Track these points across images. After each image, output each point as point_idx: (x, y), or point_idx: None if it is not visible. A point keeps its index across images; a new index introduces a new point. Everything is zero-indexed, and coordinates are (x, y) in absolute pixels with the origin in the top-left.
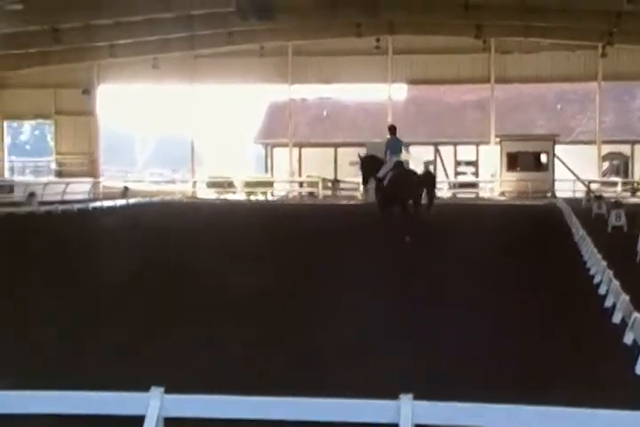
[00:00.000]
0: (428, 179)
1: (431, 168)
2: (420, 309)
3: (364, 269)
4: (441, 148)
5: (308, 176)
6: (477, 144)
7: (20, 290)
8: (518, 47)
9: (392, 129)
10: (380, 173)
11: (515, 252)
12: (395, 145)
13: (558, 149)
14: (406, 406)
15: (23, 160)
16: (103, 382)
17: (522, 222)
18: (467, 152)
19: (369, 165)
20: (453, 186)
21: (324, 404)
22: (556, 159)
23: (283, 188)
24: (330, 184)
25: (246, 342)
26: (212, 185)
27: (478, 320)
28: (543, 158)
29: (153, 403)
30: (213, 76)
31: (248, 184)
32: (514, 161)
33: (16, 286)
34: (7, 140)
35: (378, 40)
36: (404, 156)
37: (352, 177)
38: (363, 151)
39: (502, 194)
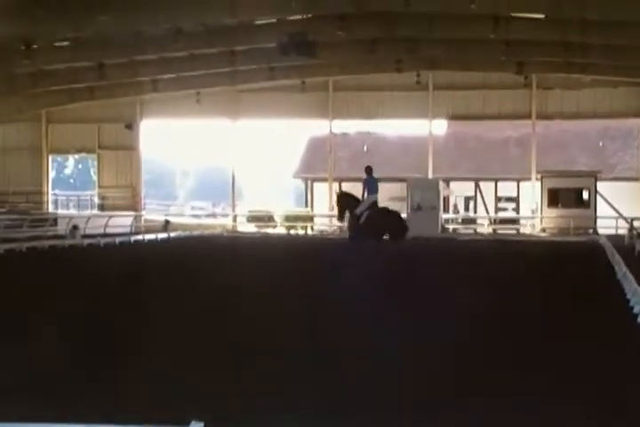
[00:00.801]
0: (395, 215)
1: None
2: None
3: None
4: (481, 183)
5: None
6: (518, 180)
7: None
8: (560, 83)
9: (368, 169)
10: (358, 211)
11: (556, 291)
12: (372, 184)
13: (600, 185)
14: None
15: (67, 194)
16: None
17: (563, 259)
18: (507, 188)
19: (344, 202)
20: (494, 222)
21: None
22: (597, 196)
23: (322, 222)
24: None
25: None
26: (252, 219)
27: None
28: (585, 195)
29: None
30: (255, 110)
31: (288, 218)
32: (555, 197)
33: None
34: (52, 173)
35: (418, 75)
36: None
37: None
38: (345, 188)
39: (543, 230)
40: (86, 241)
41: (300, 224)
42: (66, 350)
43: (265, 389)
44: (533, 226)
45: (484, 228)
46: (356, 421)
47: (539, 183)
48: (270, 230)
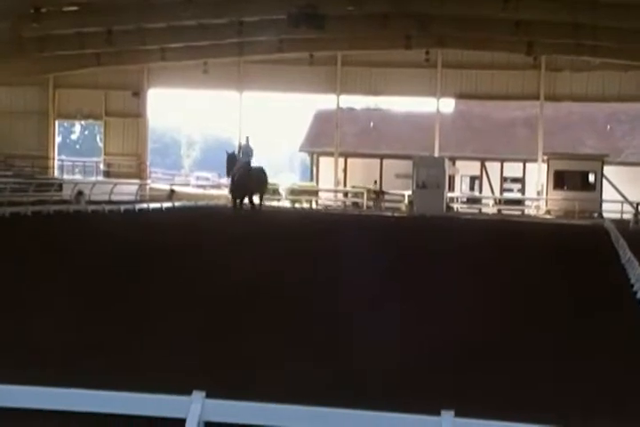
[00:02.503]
0: (262, 176)
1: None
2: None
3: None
4: (487, 164)
5: (352, 186)
6: (524, 161)
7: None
8: (569, 65)
9: (247, 138)
10: (233, 172)
11: (559, 273)
12: (247, 149)
13: (607, 169)
14: (447, 423)
15: (73, 159)
16: None
17: (567, 242)
18: (513, 169)
19: (231, 162)
20: (499, 202)
21: (364, 416)
22: (604, 180)
23: (327, 197)
24: (374, 195)
25: None
26: None
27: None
28: (591, 178)
29: (194, 407)
30: (262, 82)
31: (293, 192)
32: (561, 180)
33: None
34: (58, 139)
35: (427, 53)
36: None
37: (397, 189)
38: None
39: (548, 212)
40: (91, 207)
41: (304, 198)
42: (69, 315)
43: (267, 359)
44: (538, 208)
45: (489, 208)
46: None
47: (545, 165)
48: (275, 203)
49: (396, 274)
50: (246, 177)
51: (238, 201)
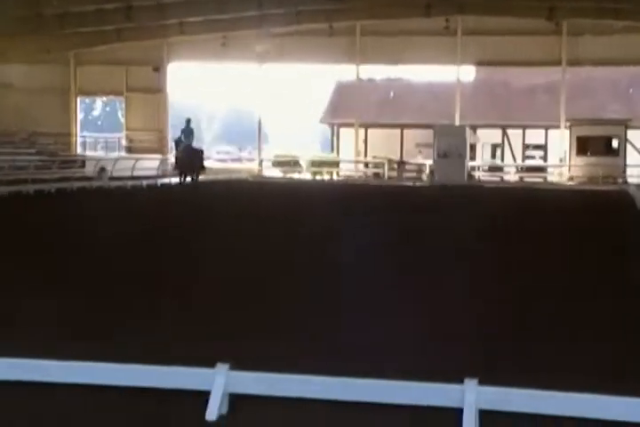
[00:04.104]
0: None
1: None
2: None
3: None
4: (509, 131)
5: (373, 157)
6: (546, 128)
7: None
8: (591, 29)
9: (188, 120)
10: (178, 152)
11: (583, 243)
12: (187, 132)
13: (630, 133)
14: (471, 392)
15: (95, 136)
16: None
17: (592, 208)
18: (535, 136)
19: (177, 144)
20: (521, 170)
21: (387, 385)
22: (627, 144)
23: (348, 168)
24: (395, 165)
25: None
26: (278, 164)
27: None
28: (614, 143)
29: (218, 379)
30: (281, 54)
31: (314, 164)
32: (584, 145)
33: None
34: (80, 115)
35: (447, 21)
36: None
37: (418, 159)
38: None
39: (571, 179)
40: (114, 183)
41: (325, 169)
42: (94, 289)
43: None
44: (561, 174)
45: (511, 176)
46: None
47: (567, 131)
48: (296, 175)
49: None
50: (187, 156)
51: (182, 177)
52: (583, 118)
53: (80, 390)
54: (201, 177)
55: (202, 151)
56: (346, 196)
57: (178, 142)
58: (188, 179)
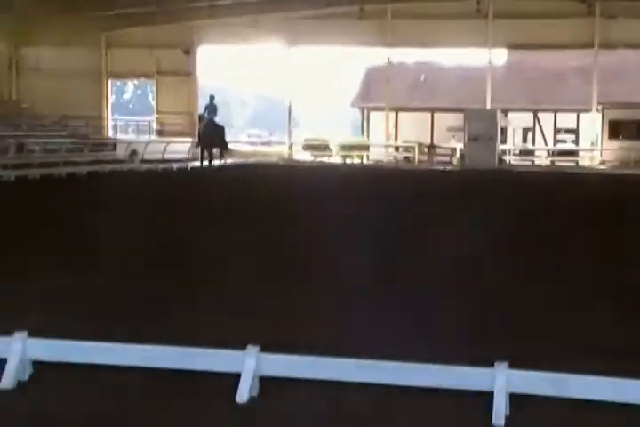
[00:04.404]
0: (219, 131)
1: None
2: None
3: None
4: (540, 115)
5: (404, 141)
6: (578, 111)
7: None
8: (624, 11)
9: (212, 97)
10: (200, 128)
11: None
12: (211, 108)
13: None
14: (501, 375)
15: (126, 119)
16: None
17: (622, 192)
18: (567, 119)
19: (200, 120)
20: (552, 154)
21: (417, 369)
22: None
23: (378, 152)
24: (426, 149)
25: None
26: (308, 147)
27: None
28: None
29: (248, 361)
30: (312, 37)
31: (344, 147)
32: (616, 129)
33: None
34: (111, 98)
35: (478, 3)
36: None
37: (451, 142)
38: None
39: (603, 163)
40: (144, 166)
41: (355, 153)
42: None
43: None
44: (593, 158)
45: (542, 160)
46: None
47: (599, 115)
48: (326, 159)
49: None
50: (210, 132)
51: (206, 153)
52: (615, 102)
53: (110, 371)
54: (231, 160)
55: (223, 128)
56: (374, 180)
57: (201, 118)
58: (214, 162)
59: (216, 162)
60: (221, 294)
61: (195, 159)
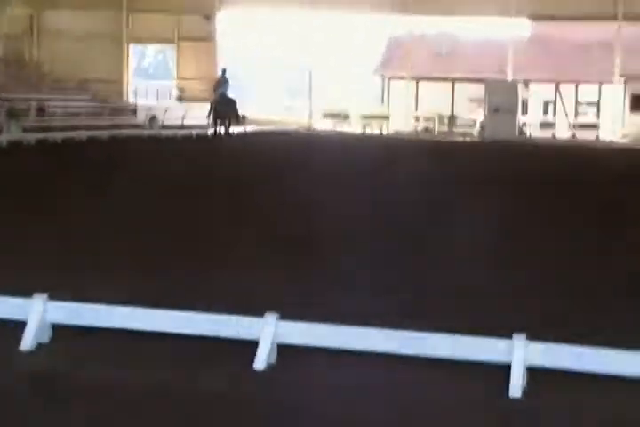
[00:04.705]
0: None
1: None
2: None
3: None
4: (562, 87)
5: (423, 114)
6: (600, 84)
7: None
8: None
9: (224, 71)
10: (212, 100)
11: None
12: (223, 82)
13: None
14: (519, 347)
15: (146, 83)
16: None
17: None
18: (589, 92)
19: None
20: (573, 126)
21: (436, 339)
22: None
23: (398, 122)
24: (446, 120)
25: None
26: (328, 116)
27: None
28: None
29: (267, 329)
30: (333, 3)
31: (364, 116)
32: (638, 102)
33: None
34: (132, 63)
35: None
36: None
37: (475, 114)
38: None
39: (624, 136)
40: (164, 132)
41: (375, 123)
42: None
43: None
44: (614, 132)
45: (563, 132)
46: None
47: (622, 87)
48: (345, 128)
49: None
50: (221, 104)
51: (219, 123)
52: (639, 75)
53: (129, 336)
54: (250, 127)
55: (235, 101)
56: (391, 151)
57: (215, 90)
58: (230, 130)
59: (230, 130)
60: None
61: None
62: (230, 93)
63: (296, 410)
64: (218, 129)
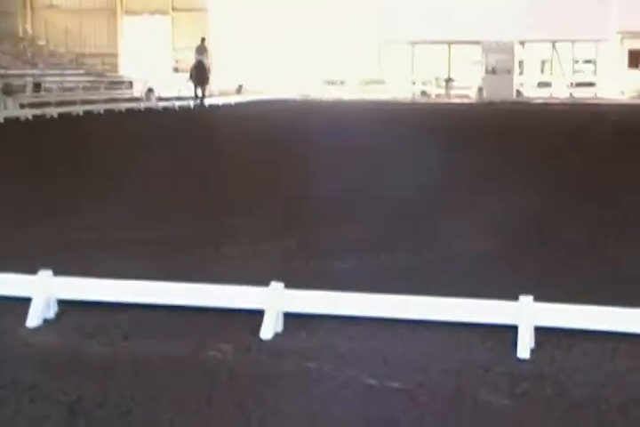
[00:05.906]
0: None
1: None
2: None
3: None
4: (558, 45)
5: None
6: (597, 41)
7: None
8: None
9: (202, 39)
10: (191, 68)
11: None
12: (201, 49)
13: None
14: (526, 308)
15: (142, 56)
16: None
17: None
18: (585, 50)
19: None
20: (570, 85)
21: (441, 303)
22: None
23: (397, 88)
24: (443, 83)
25: None
26: (325, 83)
27: None
28: None
29: (273, 298)
30: None
31: (361, 82)
32: (635, 59)
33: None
34: (127, 35)
35: None
36: None
37: (466, 76)
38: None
39: (622, 93)
40: (161, 104)
41: (373, 88)
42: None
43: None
44: (611, 89)
45: (560, 92)
46: None
47: (619, 44)
48: (344, 95)
49: None
50: (198, 71)
51: (196, 89)
52: (635, 31)
53: (133, 310)
54: (252, 96)
55: (207, 69)
56: (392, 116)
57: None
58: (205, 100)
59: (206, 100)
60: None
61: (211, 96)
62: (207, 61)
63: (299, 377)
64: (197, 94)
